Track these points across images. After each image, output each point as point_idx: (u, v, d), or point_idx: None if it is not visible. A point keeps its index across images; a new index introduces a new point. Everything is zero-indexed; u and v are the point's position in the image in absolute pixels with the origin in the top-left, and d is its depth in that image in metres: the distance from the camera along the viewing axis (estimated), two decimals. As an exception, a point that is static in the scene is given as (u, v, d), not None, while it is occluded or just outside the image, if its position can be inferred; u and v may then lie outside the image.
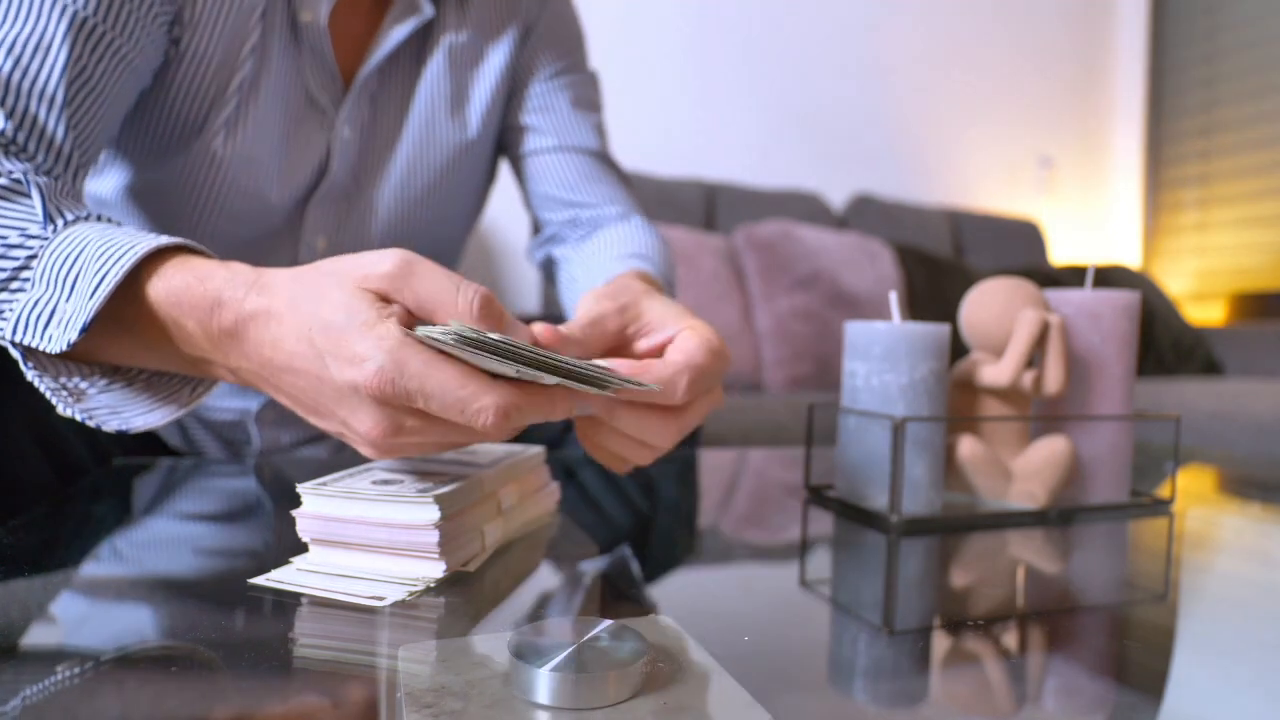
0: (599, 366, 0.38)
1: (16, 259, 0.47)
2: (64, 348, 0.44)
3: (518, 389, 0.37)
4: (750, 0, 2.50)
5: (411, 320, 0.39)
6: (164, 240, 0.45)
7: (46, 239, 0.47)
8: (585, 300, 0.47)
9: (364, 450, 0.40)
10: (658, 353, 0.46)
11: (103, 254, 0.44)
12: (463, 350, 0.34)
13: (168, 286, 0.44)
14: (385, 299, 0.39)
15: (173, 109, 0.65)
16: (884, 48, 2.71)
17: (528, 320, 0.44)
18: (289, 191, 0.71)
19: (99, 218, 0.50)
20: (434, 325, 0.36)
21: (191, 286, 0.43)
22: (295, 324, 0.39)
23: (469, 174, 0.81)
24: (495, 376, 0.37)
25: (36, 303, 0.45)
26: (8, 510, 0.57)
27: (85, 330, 0.43)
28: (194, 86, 0.65)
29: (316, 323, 0.38)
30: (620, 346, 0.48)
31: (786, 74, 2.56)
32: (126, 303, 0.44)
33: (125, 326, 0.46)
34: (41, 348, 0.45)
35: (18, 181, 0.49)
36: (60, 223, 0.48)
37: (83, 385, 0.48)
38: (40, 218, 0.48)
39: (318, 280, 0.40)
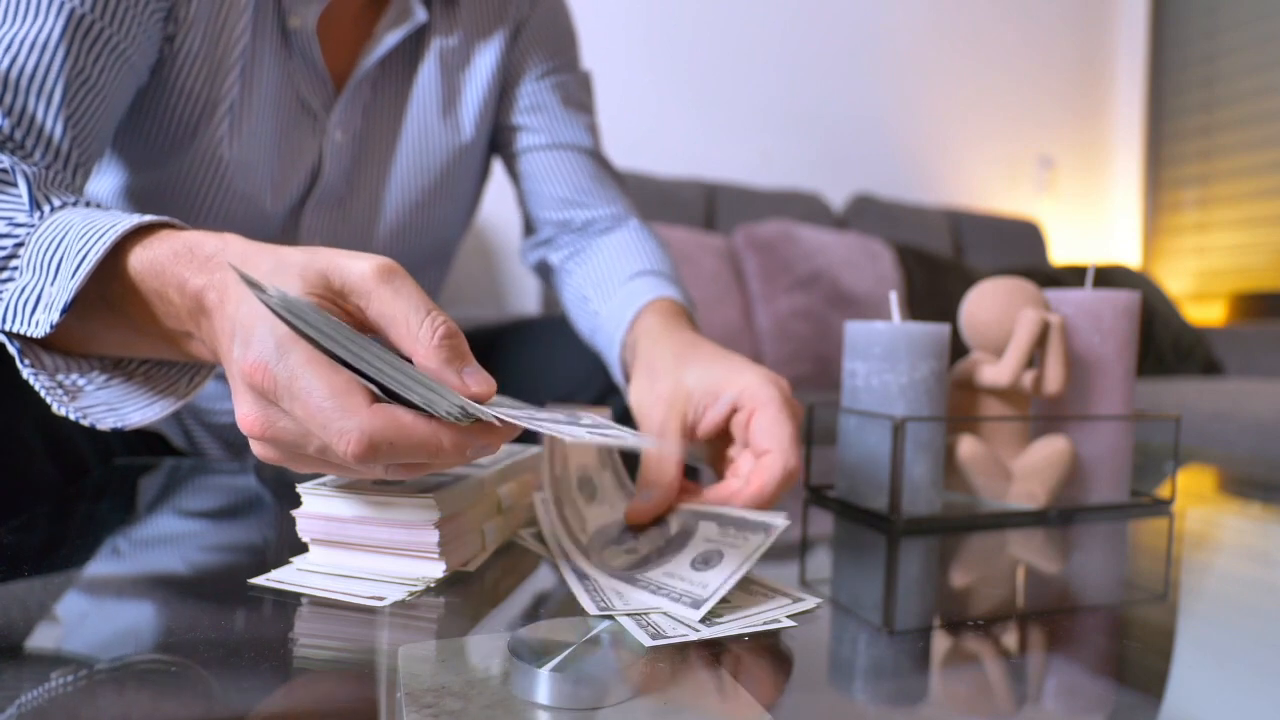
0: (451, 397, 0.32)
1: (4, 248, 0.46)
2: (48, 329, 0.43)
3: (394, 423, 0.32)
4: (751, 0, 2.50)
5: (365, 330, 0.37)
6: (148, 218, 0.44)
7: (33, 226, 0.46)
8: (710, 415, 0.50)
9: (251, 443, 0.38)
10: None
11: (85, 234, 0.43)
12: (291, 320, 0.31)
13: (152, 256, 0.42)
14: (341, 296, 0.36)
15: (167, 110, 0.65)
16: (884, 48, 2.70)
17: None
18: (284, 196, 0.71)
19: (87, 203, 0.49)
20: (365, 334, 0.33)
21: (180, 254, 0.41)
22: (240, 295, 0.37)
23: (464, 177, 0.81)
24: (386, 402, 0.33)
25: (24, 289, 0.45)
26: (13, 509, 0.57)
27: (67, 310, 0.42)
28: (187, 87, 0.64)
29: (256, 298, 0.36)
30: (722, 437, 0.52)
31: (786, 74, 2.56)
32: (112, 279, 0.43)
33: (111, 305, 0.44)
34: (29, 333, 0.44)
35: (5, 171, 0.48)
36: (47, 209, 0.47)
37: (80, 382, 0.47)
38: (27, 205, 0.47)
39: (288, 260, 0.37)
